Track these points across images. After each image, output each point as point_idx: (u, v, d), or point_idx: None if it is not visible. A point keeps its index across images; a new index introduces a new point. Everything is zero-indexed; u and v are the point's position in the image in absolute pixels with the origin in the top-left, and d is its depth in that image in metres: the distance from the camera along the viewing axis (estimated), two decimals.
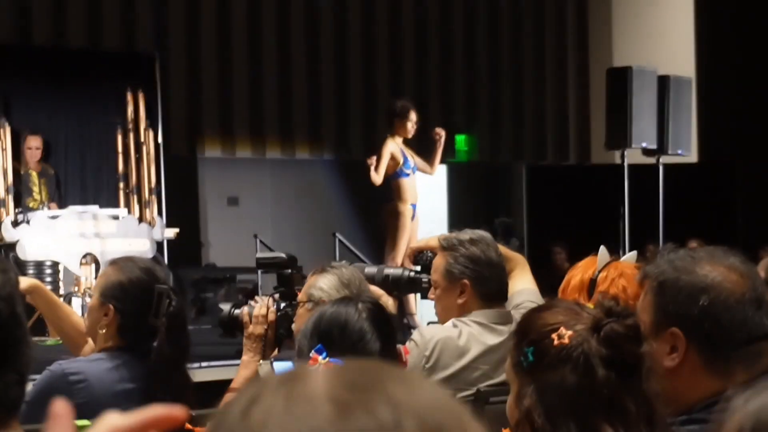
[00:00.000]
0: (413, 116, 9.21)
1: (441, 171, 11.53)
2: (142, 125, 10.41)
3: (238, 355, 3.99)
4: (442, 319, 3.89)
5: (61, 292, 8.77)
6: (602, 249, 3.32)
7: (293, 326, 3.75)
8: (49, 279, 8.76)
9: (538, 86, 14.19)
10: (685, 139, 10.69)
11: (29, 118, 10.42)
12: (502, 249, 3.95)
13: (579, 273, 3.34)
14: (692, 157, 11.99)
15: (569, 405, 1.96)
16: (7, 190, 9.47)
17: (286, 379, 0.93)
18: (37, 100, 10.56)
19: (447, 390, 0.95)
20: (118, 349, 3.44)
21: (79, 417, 1.54)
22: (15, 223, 8.94)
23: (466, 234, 3.86)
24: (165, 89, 11.32)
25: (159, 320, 3.38)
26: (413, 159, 9.32)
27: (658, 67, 10.63)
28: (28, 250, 8.82)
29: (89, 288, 8.44)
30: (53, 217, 9.04)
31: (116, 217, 9.34)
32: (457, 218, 13.02)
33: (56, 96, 10.69)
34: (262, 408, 0.90)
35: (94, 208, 9.33)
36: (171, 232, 9.78)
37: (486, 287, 3.80)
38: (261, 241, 10.90)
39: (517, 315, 3.60)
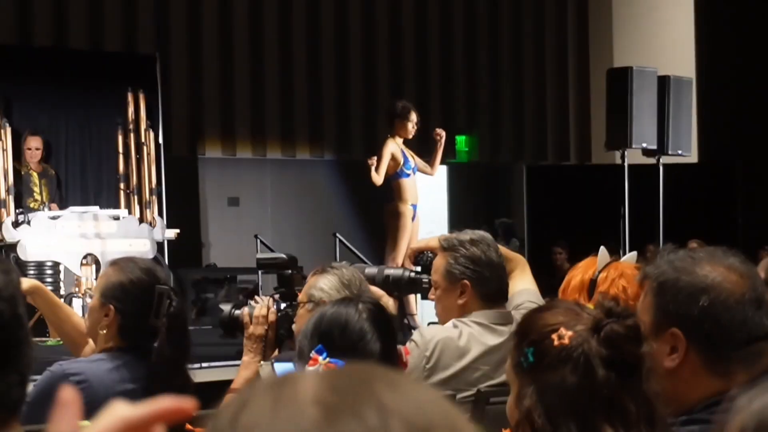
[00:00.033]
0: (414, 117, 9.21)
1: (441, 171, 11.51)
2: (143, 126, 10.39)
3: (238, 355, 3.99)
4: (442, 320, 3.88)
5: (62, 292, 8.77)
6: (602, 249, 3.32)
7: (294, 327, 3.75)
8: (49, 279, 8.76)
9: (538, 87, 14.19)
10: (685, 139, 10.69)
11: (30, 118, 10.42)
12: (503, 249, 3.95)
13: (579, 273, 3.34)
14: (692, 157, 11.98)
15: (569, 405, 1.96)
16: (7, 191, 9.46)
17: (276, 383, 0.94)
18: (38, 101, 10.56)
19: (440, 392, 0.95)
20: (119, 350, 3.44)
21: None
22: (16, 224, 8.94)
23: (467, 234, 3.85)
24: (166, 90, 11.32)
25: (160, 321, 3.38)
26: (414, 159, 9.31)
27: (659, 68, 10.63)
28: (29, 251, 8.82)
29: (90, 288, 8.43)
30: (54, 218, 9.04)
31: (117, 218, 9.34)
32: (458, 218, 13.02)
33: (57, 96, 10.69)
34: (250, 412, 0.91)
35: (94, 209, 9.33)
36: (171, 233, 9.77)
37: (486, 288, 3.80)
38: (261, 242, 10.90)
39: (517, 315, 3.60)
